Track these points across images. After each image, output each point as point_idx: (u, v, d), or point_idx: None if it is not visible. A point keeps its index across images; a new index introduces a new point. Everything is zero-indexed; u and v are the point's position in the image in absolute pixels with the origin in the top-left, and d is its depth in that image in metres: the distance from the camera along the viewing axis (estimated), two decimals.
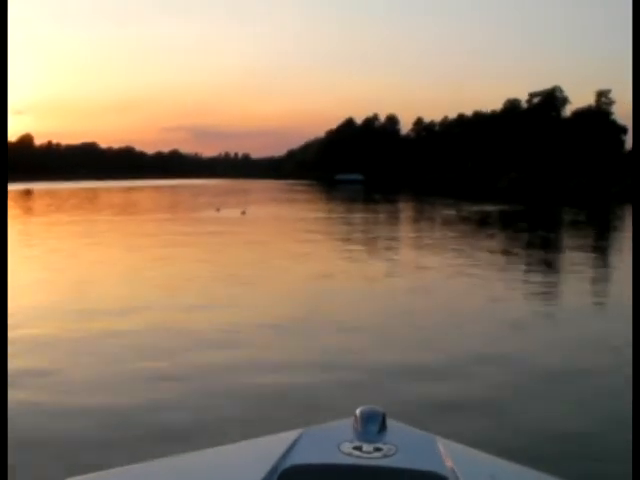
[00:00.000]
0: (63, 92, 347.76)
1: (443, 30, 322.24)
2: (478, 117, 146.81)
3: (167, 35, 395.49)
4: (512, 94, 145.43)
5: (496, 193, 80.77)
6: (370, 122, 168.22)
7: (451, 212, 44.86)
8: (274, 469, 1.78)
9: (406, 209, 54.15)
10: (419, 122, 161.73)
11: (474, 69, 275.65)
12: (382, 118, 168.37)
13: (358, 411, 2.05)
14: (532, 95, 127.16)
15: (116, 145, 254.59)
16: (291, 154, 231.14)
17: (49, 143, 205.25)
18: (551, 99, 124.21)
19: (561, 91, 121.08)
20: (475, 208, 49.75)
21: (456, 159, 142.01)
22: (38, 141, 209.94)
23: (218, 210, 42.57)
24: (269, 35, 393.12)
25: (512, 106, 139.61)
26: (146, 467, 1.97)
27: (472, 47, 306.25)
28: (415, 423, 2.22)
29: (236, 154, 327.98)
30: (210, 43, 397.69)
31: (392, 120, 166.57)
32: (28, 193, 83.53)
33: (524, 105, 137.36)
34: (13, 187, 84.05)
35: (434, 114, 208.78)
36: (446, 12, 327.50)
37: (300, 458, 1.85)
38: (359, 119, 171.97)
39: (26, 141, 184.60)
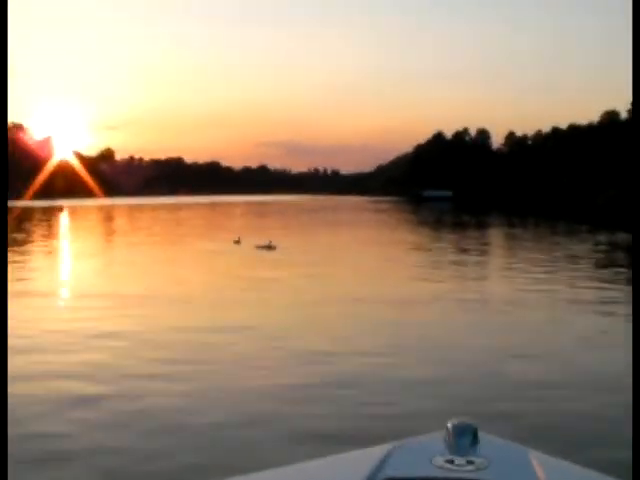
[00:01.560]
0: (157, 108, 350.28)
1: (531, 41, 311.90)
2: (573, 130, 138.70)
3: (260, 50, 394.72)
4: (610, 106, 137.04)
5: (595, 211, 73.49)
6: (460, 136, 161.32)
7: (584, 246, 32.71)
8: None
9: (511, 238, 41.62)
10: (511, 136, 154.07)
11: (567, 80, 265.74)
12: (472, 132, 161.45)
13: (450, 424, 2.00)
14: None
15: (203, 160, 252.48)
16: (380, 169, 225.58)
17: (131, 158, 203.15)
18: None
19: None
20: (605, 238, 37.84)
21: (550, 174, 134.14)
22: (126, 156, 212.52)
23: (238, 242, 33.02)
24: (359, 51, 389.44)
25: (610, 118, 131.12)
26: None
27: (564, 57, 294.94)
28: (507, 436, 2.15)
29: (325, 169, 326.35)
30: (301, 59, 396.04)
31: (483, 134, 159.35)
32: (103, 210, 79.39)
33: (623, 116, 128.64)
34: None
35: (527, 128, 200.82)
36: (534, 22, 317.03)
37: (393, 471, 1.84)
38: (449, 133, 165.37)
39: (107, 156, 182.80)
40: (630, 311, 13.58)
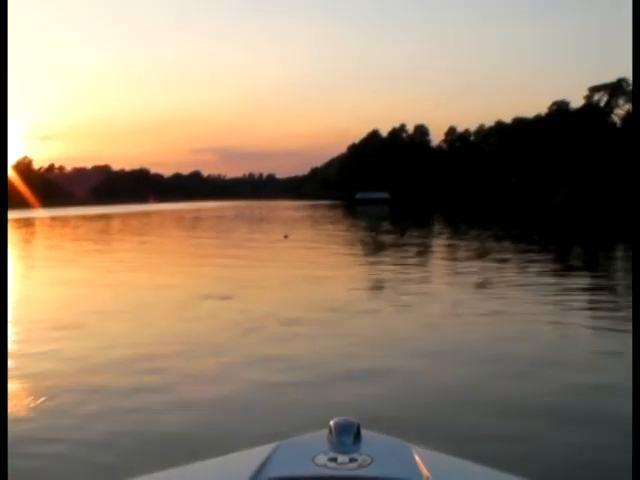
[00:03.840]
0: (90, 117, 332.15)
1: (472, 38, 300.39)
2: (519, 123, 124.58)
3: (193, 58, 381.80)
4: (559, 96, 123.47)
5: (554, 212, 59.41)
6: (397, 133, 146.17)
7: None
8: None
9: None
10: (452, 131, 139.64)
11: (509, 77, 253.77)
12: (410, 129, 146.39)
13: (332, 422, 1.99)
14: (592, 90, 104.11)
15: (131, 167, 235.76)
16: (315, 172, 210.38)
17: (51, 167, 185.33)
18: (615, 94, 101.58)
19: (628, 84, 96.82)
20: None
21: (496, 173, 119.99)
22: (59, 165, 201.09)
23: None
24: (291, 55, 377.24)
25: (559, 109, 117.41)
26: None
27: (505, 54, 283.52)
28: (390, 432, 2.13)
29: (261, 174, 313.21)
30: (233, 64, 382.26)
31: (421, 130, 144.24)
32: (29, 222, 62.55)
33: (574, 105, 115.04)
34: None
35: (468, 122, 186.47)
36: (475, 20, 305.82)
37: (275, 472, 1.81)
38: (385, 131, 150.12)
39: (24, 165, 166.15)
40: None
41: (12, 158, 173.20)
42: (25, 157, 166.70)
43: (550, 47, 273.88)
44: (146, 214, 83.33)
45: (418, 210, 79.31)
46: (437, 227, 43.20)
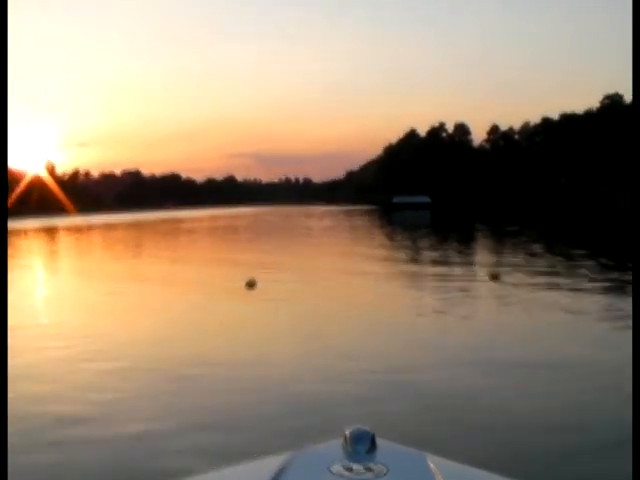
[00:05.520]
0: (125, 124, 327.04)
1: (510, 34, 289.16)
2: (567, 119, 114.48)
3: (227, 63, 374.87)
4: (611, 90, 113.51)
5: (619, 217, 50.02)
6: (436, 133, 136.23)
7: None
8: None
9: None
10: (494, 130, 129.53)
11: (555, 67, 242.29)
12: (450, 128, 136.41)
13: (347, 432, 1.92)
14: None
15: (162, 172, 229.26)
16: (351, 176, 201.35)
17: (75, 172, 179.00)
18: None
19: None
20: None
21: (545, 173, 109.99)
22: (96, 173, 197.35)
23: None
24: (324, 59, 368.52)
25: (612, 102, 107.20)
26: None
27: (550, 42, 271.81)
28: (405, 442, 2.07)
29: (297, 179, 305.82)
30: (267, 69, 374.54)
31: (462, 129, 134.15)
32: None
33: (627, 99, 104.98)
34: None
35: (511, 120, 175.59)
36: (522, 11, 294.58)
37: None
38: (423, 131, 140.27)
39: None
40: None
41: (44, 164, 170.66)
42: (48, 162, 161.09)
43: (595, 39, 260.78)
44: (140, 224, 74.90)
45: (463, 216, 69.74)
46: (523, 251, 31.68)
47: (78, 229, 67.85)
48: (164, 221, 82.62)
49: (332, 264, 23.34)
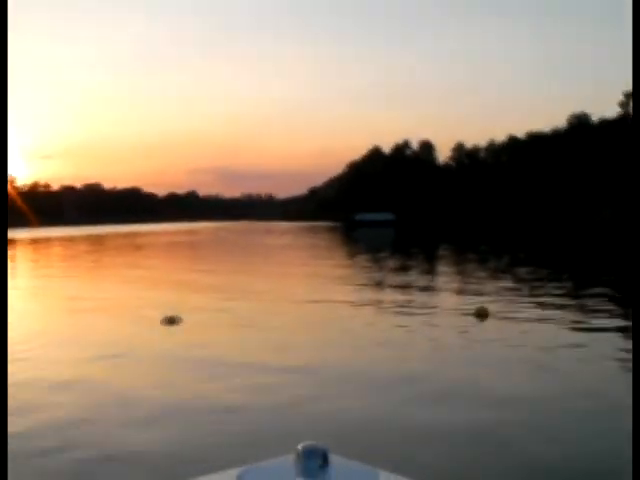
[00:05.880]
0: (89, 138, 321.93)
1: (477, 53, 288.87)
2: (534, 138, 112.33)
3: (191, 79, 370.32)
4: (577, 109, 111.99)
5: (589, 241, 47.41)
6: (400, 150, 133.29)
7: None
8: None
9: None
10: (459, 147, 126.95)
11: (520, 88, 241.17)
12: (415, 145, 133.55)
13: (300, 447, 1.89)
14: (626, 98, 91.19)
15: (124, 186, 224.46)
16: (314, 192, 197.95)
17: (35, 185, 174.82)
18: None
19: None
20: None
21: (511, 191, 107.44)
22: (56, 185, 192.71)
23: None
24: (289, 75, 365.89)
25: (579, 121, 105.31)
26: None
27: (515, 68, 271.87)
28: (358, 457, 2.04)
29: (259, 195, 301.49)
30: (231, 85, 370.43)
31: (426, 147, 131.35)
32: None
33: (595, 119, 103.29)
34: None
35: (476, 139, 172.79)
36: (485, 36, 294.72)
37: None
38: (387, 148, 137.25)
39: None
40: None
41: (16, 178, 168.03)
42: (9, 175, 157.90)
43: (564, 59, 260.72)
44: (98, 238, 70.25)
45: (427, 235, 66.49)
46: (499, 275, 28.15)
47: (32, 241, 63.60)
48: (119, 235, 78.43)
49: (283, 288, 19.61)
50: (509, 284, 19.91)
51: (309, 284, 20.33)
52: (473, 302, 15.34)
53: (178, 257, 39.29)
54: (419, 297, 17.46)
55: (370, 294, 18.38)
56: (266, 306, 15.73)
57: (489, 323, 13.16)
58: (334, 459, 1.89)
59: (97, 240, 65.37)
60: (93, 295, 18.57)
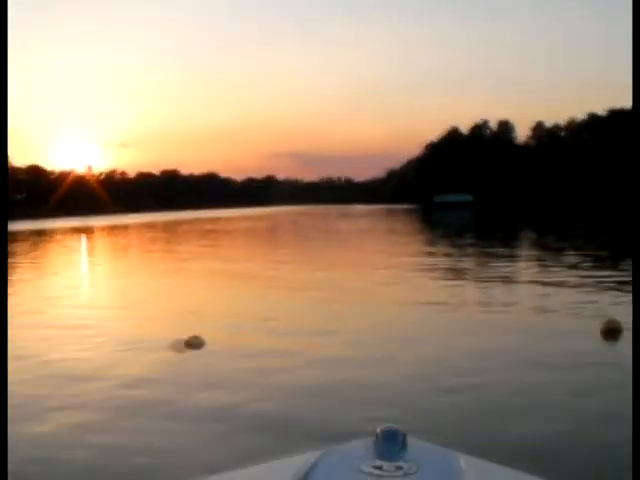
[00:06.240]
0: (163, 124, 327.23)
1: (550, 28, 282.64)
2: (615, 115, 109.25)
3: (266, 63, 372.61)
4: None
5: None
6: (478, 130, 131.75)
7: None
8: None
9: None
10: (539, 127, 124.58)
11: (598, 61, 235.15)
12: (493, 125, 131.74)
13: (378, 430, 1.92)
14: None
15: (200, 172, 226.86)
16: (392, 175, 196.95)
17: (112, 172, 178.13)
18: None
19: None
20: None
21: (593, 170, 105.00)
22: (133, 173, 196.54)
23: None
24: (366, 58, 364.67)
25: None
26: None
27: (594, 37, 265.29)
28: (436, 441, 2.04)
29: (338, 178, 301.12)
30: (308, 69, 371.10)
31: (505, 126, 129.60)
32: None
33: None
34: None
35: (556, 117, 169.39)
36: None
37: (320, 479, 1.75)
38: (465, 128, 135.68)
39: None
40: None
41: (93, 167, 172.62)
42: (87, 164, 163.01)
43: None
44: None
45: (508, 217, 65.67)
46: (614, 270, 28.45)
47: (111, 229, 65.05)
48: (191, 221, 79.45)
49: (353, 284, 17.74)
50: (623, 277, 17.06)
51: (406, 280, 18.65)
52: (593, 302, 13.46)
53: (252, 246, 39.17)
54: (526, 295, 15.57)
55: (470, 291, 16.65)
56: (375, 310, 13.78)
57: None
58: (412, 442, 1.93)
59: (171, 227, 66.32)
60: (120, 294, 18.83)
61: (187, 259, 28.25)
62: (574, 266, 20.54)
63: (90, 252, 39.46)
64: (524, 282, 17.75)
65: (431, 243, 35.60)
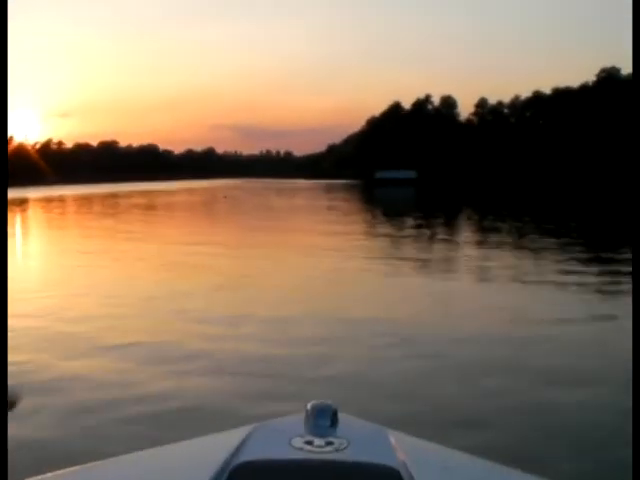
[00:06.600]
0: (104, 94, 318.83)
1: (501, 5, 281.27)
2: (561, 94, 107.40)
3: (209, 35, 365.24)
4: (607, 63, 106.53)
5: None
6: (421, 105, 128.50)
7: None
8: (224, 466, 1.68)
9: None
10: (482, 104, 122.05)
11: (546, 40, 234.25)
12: (436, 101, 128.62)
13: (309, 405, 1.91)
14: None
15: (140, 144, 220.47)
16: (331, 149, 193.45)
17: (48, 142, 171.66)
18: None
19: None
20: None
21: (535, 149, 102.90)
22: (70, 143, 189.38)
23: None
24: (308, 31, 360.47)
25: (609, 76, 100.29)
26: (90, 468, 1.84)
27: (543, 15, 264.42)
28: (367, 417, 2.08)
29: (278, 152, 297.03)
30: (249, 41, 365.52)
31: (448, 102, 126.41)
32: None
33: (624, 73, 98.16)
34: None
35: (500, 94, 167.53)
36: None
37: (251, 454, 1.74)
38: (408, 104, 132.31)
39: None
40: None
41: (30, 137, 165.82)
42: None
43: (591, 12, 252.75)
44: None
45: (451, 196, 62.64)
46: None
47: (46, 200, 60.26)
48: (125, 194, 74.84)
49: (278, 281, 14.14)
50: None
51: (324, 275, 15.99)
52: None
53: (174, 221, 35.29)
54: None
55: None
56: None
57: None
58: (343, 418, 1.88)
59: (96, 201, 61.72)
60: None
61: (89, 235, 24.60)
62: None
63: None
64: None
65: (372, 224, 31.85)
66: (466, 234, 26.10)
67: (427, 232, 26.05)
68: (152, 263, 16.81)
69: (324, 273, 14.92)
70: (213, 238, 23.67)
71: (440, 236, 24.21)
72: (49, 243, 24.40)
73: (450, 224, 31.16)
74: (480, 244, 21.56)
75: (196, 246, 20.34)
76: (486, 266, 15.98)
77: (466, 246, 21.01)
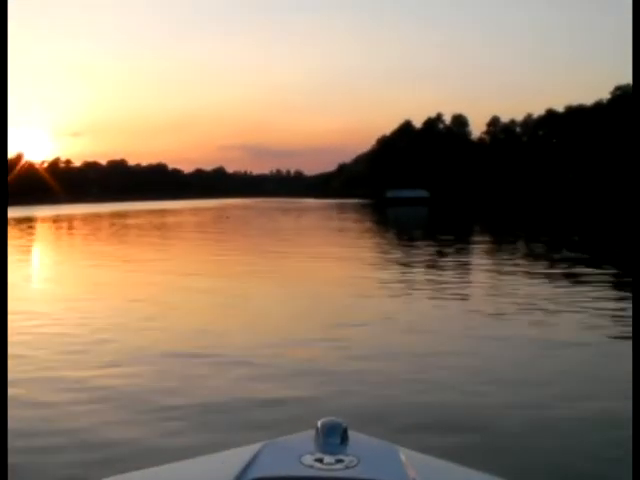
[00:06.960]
0: (115, 114, 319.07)
1: (513, 24, 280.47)
2: (574, 112, 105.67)
3: (219, 55, 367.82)
4: (621, 81, 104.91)
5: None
6: (432, 124, 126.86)
7: None
8: None
9: None
10: (495, 122, 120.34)
11: (560, 59, 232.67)
12: (447, 119, 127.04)
13: (319, 423, 1.93)
14: None
15: (149, 163, 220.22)
16: (342, 169, 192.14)
17: (56, 161, 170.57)
18: None
19: None
20: None
21: (548, 168, 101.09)
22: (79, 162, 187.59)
23: None
24: (320, 52, 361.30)
25: (624, 93, 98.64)
26: None
27: (555, 32, 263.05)
28: (378, 434, 2.06)
29: (288, 171, 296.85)
30: (263, 62, 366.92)
31: (460, 121, 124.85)
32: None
33: None
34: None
35: (512, 113, 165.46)
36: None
37: (261, 471, 1.75)
38: (418, 122, 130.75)
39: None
40: None
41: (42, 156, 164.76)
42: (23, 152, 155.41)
43: (604, 29, 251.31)
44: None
45: (464, 213, 60.79)
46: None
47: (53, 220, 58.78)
48: (134, 213, 73.39)
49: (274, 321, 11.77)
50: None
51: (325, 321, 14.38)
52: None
53: (160, 245, 33.15)
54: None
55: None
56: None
57: None
58: (353, 435, 1.88)
59: (102, 220, 60.15)
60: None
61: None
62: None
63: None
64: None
65: (381, 249, 29.96)
66: (512, 267, 24.20)
67: (465, 259, 24.10)
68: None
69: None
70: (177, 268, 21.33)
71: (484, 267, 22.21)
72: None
73: (490, 250, 28.95)
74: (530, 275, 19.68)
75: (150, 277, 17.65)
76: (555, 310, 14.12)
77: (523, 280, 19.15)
